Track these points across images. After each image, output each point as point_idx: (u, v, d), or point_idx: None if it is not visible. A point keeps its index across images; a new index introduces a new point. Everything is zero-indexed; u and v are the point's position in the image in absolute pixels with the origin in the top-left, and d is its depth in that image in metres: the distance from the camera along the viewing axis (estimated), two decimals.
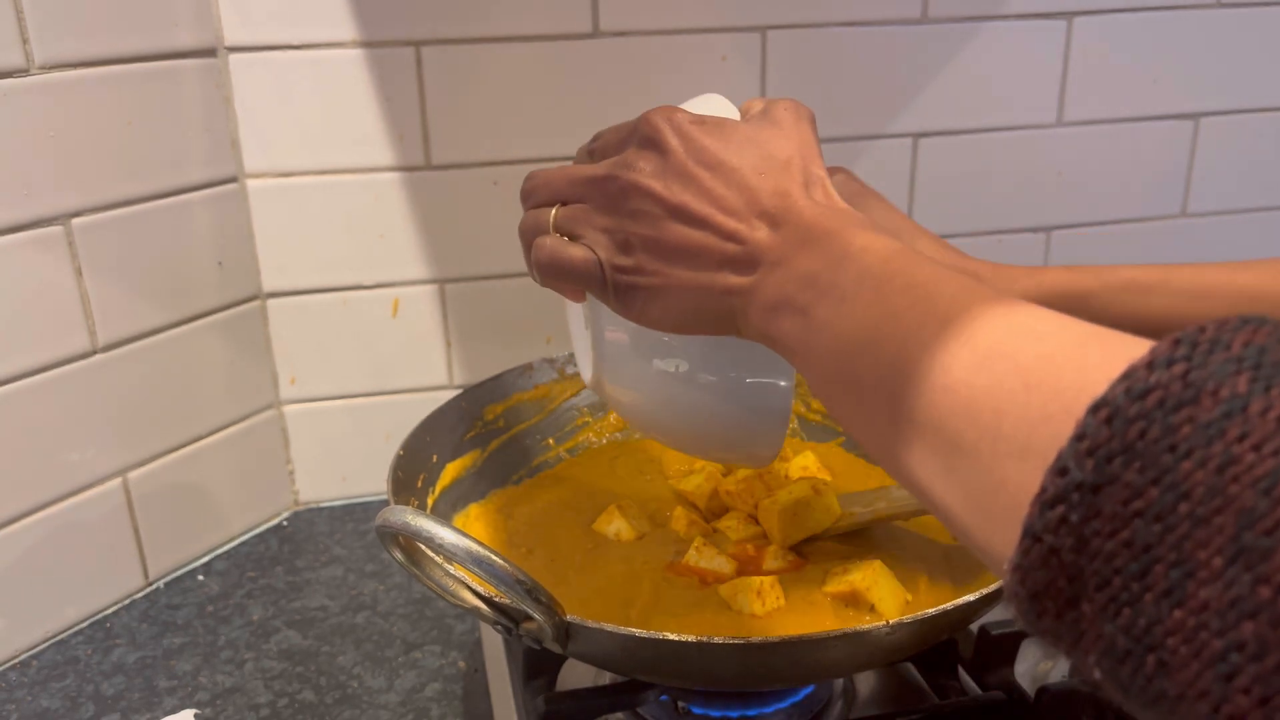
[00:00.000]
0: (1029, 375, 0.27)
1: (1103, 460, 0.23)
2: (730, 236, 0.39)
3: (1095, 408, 0.24)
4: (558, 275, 0.44)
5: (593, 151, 0.46)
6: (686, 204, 0.40)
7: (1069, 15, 0.88)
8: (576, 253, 0.43)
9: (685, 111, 0.42)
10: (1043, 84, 0.90)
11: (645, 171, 0.41)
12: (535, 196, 0.46)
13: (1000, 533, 0.27)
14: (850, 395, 0.35)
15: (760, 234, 0.39)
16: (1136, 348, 0.25)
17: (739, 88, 0.82)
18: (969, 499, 0.29)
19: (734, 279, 0.39)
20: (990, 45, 0.87)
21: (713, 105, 0.46)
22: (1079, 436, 0.24)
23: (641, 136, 0.41)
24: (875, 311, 0.34)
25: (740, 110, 0.45)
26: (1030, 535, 0.24)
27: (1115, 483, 0.23)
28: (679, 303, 0.41)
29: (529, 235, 0.45)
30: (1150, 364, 0.23)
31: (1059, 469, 0.24)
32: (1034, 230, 0.95)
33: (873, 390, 0.33)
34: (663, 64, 0.81)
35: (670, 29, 0.80)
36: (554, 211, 0.44)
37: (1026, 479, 0.25)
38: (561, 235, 0.44)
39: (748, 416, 0.47)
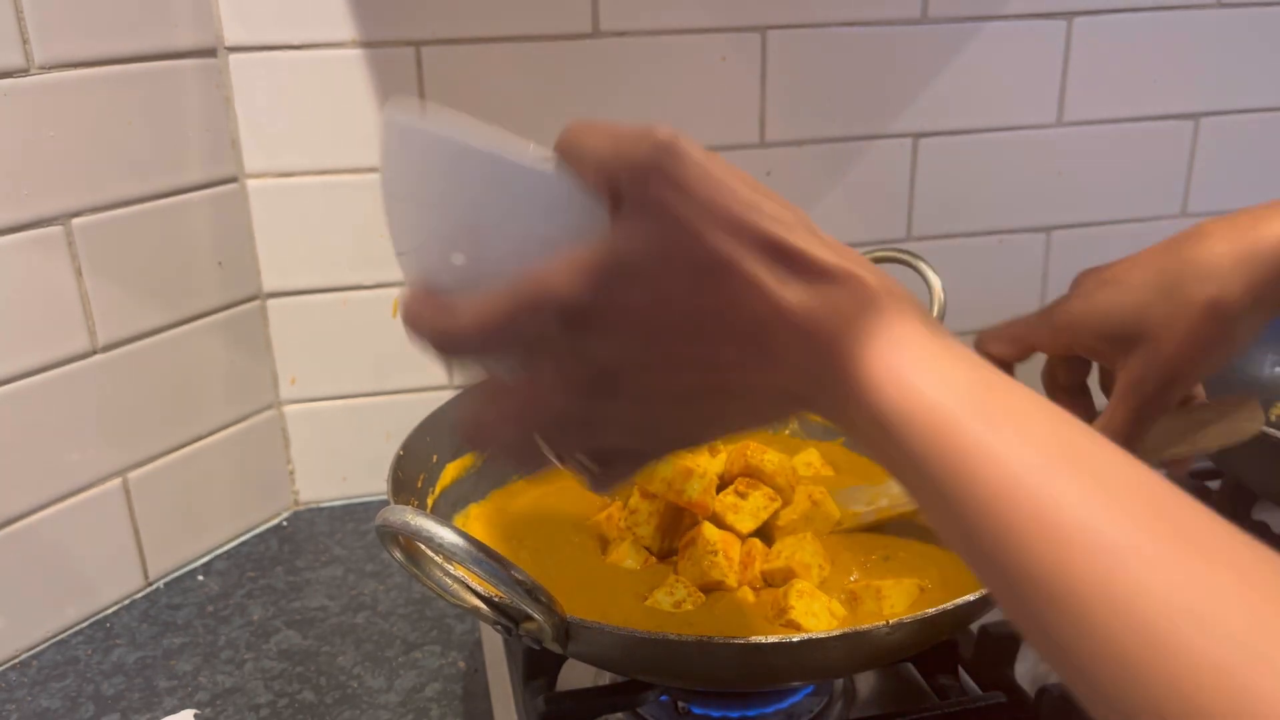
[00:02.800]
0: None
1: None
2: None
3: None
4: None
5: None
6: None
7: (1069, 15, 0.88)
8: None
9: None
10: (1043, 84, 0.90)
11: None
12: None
13: None
14: None
15: None
16: None
17: (739, 88, 0.82)
18: None
19: None
20: (990, 45, 0.87)
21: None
22: None
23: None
24: None
25: None
26: None
27: None
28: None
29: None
30: None
31: None
32: (1034, 230, 0.95)
33: None
34: (663, 64, 0.81)
35: (670, 29, 0.80)
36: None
37: None
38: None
39: None
